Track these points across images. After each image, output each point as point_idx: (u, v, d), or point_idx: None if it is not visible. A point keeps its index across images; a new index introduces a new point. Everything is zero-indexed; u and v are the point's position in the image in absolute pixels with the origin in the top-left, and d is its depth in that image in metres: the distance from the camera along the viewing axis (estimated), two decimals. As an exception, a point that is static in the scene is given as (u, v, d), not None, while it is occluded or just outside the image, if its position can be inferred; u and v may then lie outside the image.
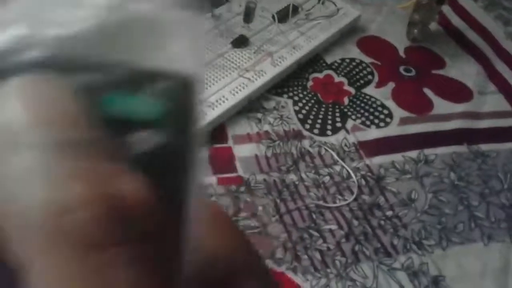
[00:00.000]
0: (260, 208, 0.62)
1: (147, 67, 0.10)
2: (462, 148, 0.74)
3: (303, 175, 0.67)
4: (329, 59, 0.83)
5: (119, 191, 0.09)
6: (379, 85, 0.80)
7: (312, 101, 0.76)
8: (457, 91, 0.83)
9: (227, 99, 0.70)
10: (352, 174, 0.68)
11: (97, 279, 0.08)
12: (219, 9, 0.80)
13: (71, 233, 0.08)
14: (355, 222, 0.63)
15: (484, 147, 0.75)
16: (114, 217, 0.09)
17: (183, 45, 0.11)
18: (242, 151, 0.68)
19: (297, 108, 0.75)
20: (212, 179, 0.64)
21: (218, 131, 0.69)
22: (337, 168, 0.68)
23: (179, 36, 0.11)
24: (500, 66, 0.90)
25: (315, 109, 0.75)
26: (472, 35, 0.95)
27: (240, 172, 0.66)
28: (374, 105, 0.77)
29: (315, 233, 0.61)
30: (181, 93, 0.11)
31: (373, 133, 0.73)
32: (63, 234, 0.08)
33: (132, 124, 0.10)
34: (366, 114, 0.76)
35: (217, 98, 0.69)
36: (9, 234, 0.09)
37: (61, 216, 0.08)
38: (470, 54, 0.90)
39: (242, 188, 0.64)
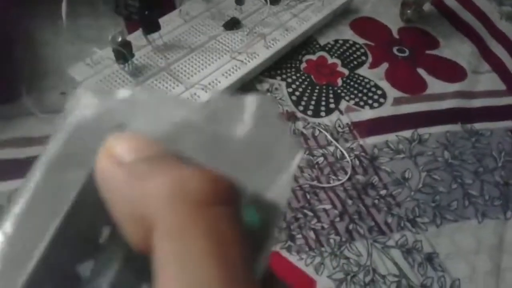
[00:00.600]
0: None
1: (264, 196, 0.16)
2: (456, 127, 0.74)
3: (297, 156, 0.67)
4: (322, 41, 0.82)
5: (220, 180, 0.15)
6: (373, 66, 0.80)
7: (306, 82, 0.76)
8: (451, 71, 0.82)
9: (220, 82, 0.69)
10: (346, 155, 0.68)
11: (213, 226, 0.14)
12: (210, -8, 0.80)
13: (192, 195, 0.14)
14: (349, 202, 0.63)
15: (478, 126, 0.75)
16: (218, 187, 0.15)
17: (284, 182, 0.17)
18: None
19: (290, 90, 0.74)
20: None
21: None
22: (331, 148, 0.68)
23: (286, 172, 0.17)
24: (495, 46, 0.89)
25: (308, 90, 0.75)
26: (466, 15, 0.95)
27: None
28: (368, 86, 0.77)
29: (310, 213, 0.62)
30: (270, 215, 0.17)
31: (366, 114, 0.73)
32: (187, 196, 0.14)
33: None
34: (360, 95, 0.76)
35: (210, 80, 0.69)
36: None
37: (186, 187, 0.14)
38: (464, 34, 0.90)
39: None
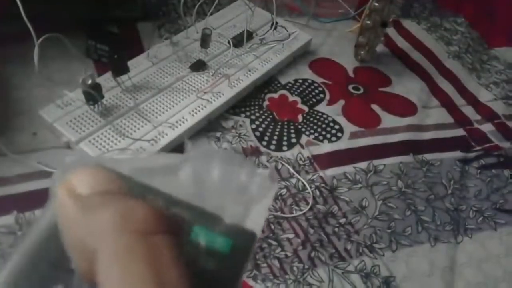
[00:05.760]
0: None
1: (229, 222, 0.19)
2: (408, 158, 0.79)
3: (261, 189, 0.70)
4: (283, 80, 0.88)
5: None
6: (330, 102, 0.86)
7: (268, 119, 0.81)
8: (402, 106, 0.89)
9: (187, 120, 0.73)
10: (307, 186, 0.72)
11: (152, 252, 0.16)
12: (177, 36, 0.85)
13: (134, 225, 0.16)
14: (311, 230, 0.67)
15: (428, 156, 0.81)
16: (158, 218, 0.17)
17: (258, 211, 0.19)
18: (203, 168, 0.71)
19: (254, 126, 0.79)
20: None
21: (179, 151, 0.72)
22: (293, 180, 0.72)
23: (259, 203, 0.19)
24: (443, 82, 0.97)
25: (271, 126, 0.79)
26: (416, 55, 1.02)
27: (201, 188, 0.69)
28: (326, 121, 0.82)
29: (274, 242, 0.65)
30: (245, 241, 0.19)
31: (325, 147, 0.78)
32: (129, 225, 0.16)
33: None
34: (319, 129, 0.81)
35: (178, 119, 0.73)
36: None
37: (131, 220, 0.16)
38: (414, 72, 0.97)
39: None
